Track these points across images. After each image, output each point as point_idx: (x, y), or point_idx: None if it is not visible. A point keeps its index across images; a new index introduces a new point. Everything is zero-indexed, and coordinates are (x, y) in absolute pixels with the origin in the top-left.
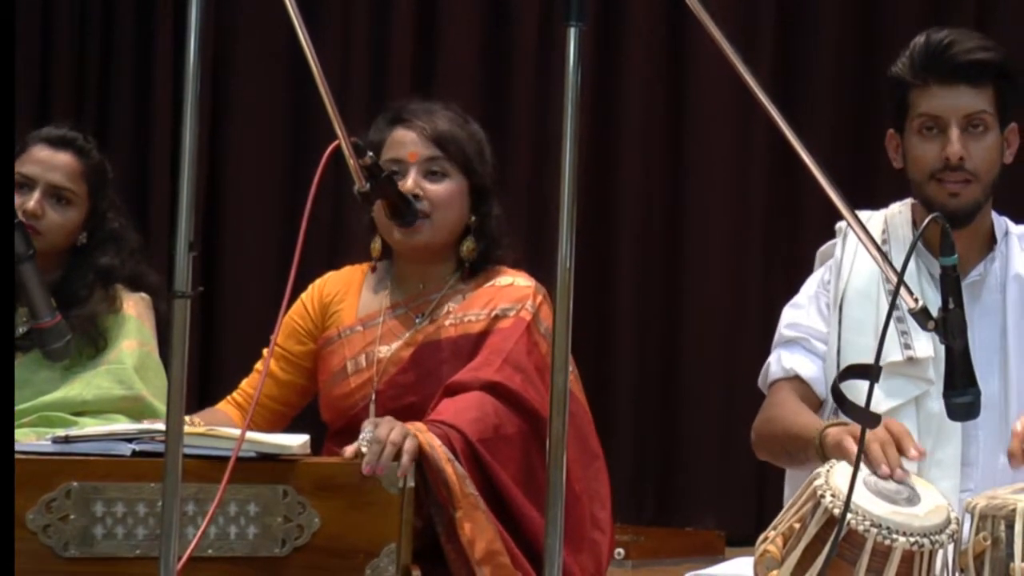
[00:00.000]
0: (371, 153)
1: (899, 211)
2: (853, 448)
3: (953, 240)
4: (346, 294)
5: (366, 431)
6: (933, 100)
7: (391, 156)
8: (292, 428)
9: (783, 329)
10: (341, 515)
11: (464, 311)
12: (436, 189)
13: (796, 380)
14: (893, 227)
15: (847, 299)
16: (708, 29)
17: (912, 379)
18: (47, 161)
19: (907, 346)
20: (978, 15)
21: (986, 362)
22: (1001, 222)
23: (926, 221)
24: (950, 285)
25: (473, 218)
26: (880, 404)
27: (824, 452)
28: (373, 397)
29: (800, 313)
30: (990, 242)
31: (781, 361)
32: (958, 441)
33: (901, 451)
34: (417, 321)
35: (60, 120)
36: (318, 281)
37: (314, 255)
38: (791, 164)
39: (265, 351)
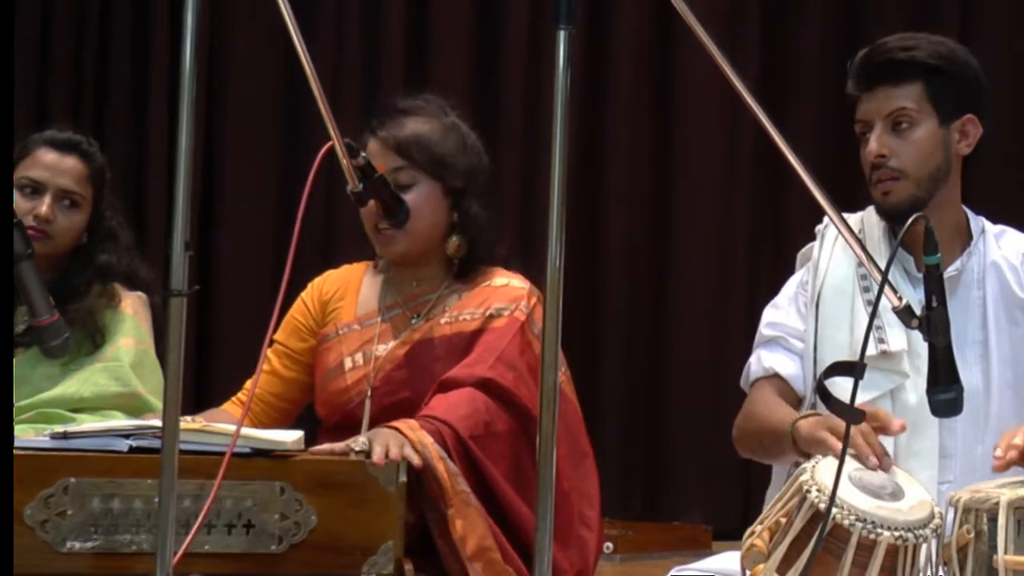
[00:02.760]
0: (364, 154)
1: (874, 212)
2: (830, 440)
3: (936, 240)
4: (345, 292)
5: (361, 437)
6: (861, 107)
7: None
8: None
9: (763, 329)
10: (338, 512)
11: (459, 310)
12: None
13: (776, 378)
14: (869, 227)
15: (823, 296)
16: (694, 31)
17: (886, 372)
18: (56, 166)
19: (881, 340)
20: (962, 14)
21: (965, 356)
22: (978, 221)
23: (910, 220)
24: (934, 284)
25: (455, 216)
26: (855, 398)
27: (797, 444)
28: (368, 393)
29: (780, 313)
30: (966, 239)
31: (761, 360)
32: (935, 433)
33: (884, 430)
34: (413, 321)
35: (58, 121)
36: (318, 279)
37: (308, 254)
38: (777, 165)
39: (268, 351)
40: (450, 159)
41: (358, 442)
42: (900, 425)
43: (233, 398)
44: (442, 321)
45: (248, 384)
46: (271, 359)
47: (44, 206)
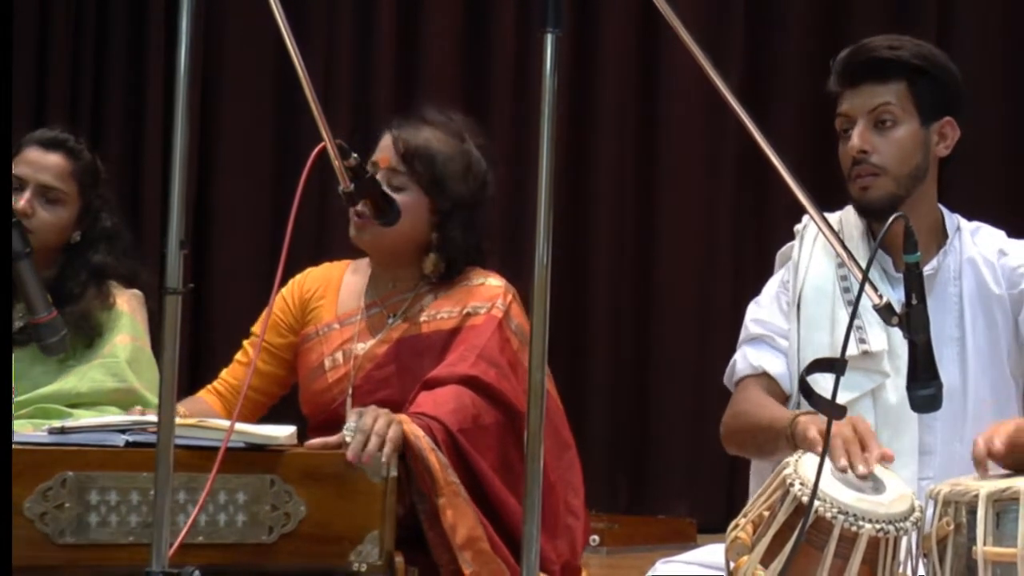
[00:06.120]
0: (355, 155)
1: (852, 211)
2: (816, 438)
3: (916, 238)
4: (326, 291)
5: (351, 420)
6: (844, 102)
7: (373, 157)
8: (278, 422)
9: (749, 324)
10: (327, 503)
11: (437, 309)
12: None
13: (764, 376)
14: (848, 227)
15: (804, 297)
16: (678, 33)
17: (868, 372)
18: (38, 162)
19: (862, 340)
20: (939, 15)
21: (943, 353)
22: (953, 219)
23: (890, 220)
24: (913, 281)
25: (434, 235)
26: (837, 397)
27: (795, 441)
28: (350, 392)
29: (763, 311)
30: (942, 237)
31: (748, 358)
32: (915, 430)
33: (864, 451)
34: (390, 321)
35: (55, 121)
36: (298, 276)
37: (300, 252)
38: (760, 165)
39: (246, 342)
40: (449, 182)
41: (349, 426)
42: (881, 456)
43: (209, 386)
44: (420, 320)
45: (225, 374)
46: (248, 351)
47: (22, 201)
